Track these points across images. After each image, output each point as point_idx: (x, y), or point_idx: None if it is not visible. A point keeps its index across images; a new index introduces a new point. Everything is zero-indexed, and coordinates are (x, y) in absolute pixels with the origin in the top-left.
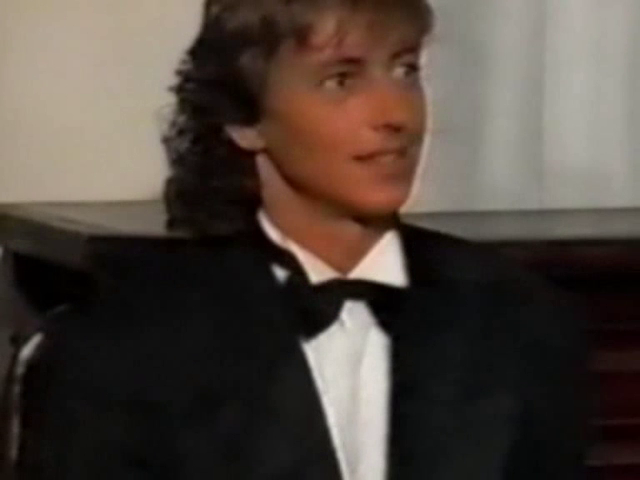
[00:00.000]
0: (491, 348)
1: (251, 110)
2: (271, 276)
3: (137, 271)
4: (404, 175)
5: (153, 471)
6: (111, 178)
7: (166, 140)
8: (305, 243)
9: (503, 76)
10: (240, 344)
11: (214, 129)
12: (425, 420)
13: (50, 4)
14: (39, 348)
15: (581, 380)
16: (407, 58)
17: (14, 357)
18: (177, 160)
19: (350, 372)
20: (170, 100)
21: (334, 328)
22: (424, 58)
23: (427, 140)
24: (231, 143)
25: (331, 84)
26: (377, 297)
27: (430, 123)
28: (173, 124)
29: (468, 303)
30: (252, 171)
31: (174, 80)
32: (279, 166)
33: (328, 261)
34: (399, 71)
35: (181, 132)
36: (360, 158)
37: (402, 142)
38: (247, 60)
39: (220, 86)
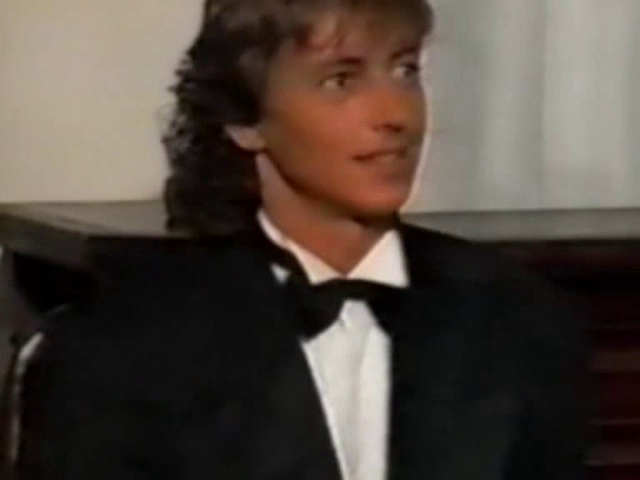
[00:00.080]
0: (491, 348)
1: (251, 110)
2: (271, 276)
3: (137, 271)
4: (404, 175)
5: (153, 471)
6: (111, 178)
7: (166, 140)
8: (305, 243)
9: (503, 76)
10: (240, 344)
11: (214, 129)
12: (425, 420)
13: (50, 4)
14: (39, 348)
15: (581, 380)
16: (407, 58)
17: (14, 357)
18: (177, 160)
19: (350, 372)
20: (170, 100)
21: (334, 328)
22: (424, 58)
23: (427, 140)
24: (231, 143)
25: (331, 84)
26: (377, 297)
27: (430, 123)
28: (173, 124)
29: (468, 303)
30: (252, 171)
31: (174, 80)
32: (279, 166)
33: (328, 261)
34: (399, 71)
35: (181, 132)
36: (360, 158)
37: (402, 142)
38: (247, 60)
39: (220, 86)
